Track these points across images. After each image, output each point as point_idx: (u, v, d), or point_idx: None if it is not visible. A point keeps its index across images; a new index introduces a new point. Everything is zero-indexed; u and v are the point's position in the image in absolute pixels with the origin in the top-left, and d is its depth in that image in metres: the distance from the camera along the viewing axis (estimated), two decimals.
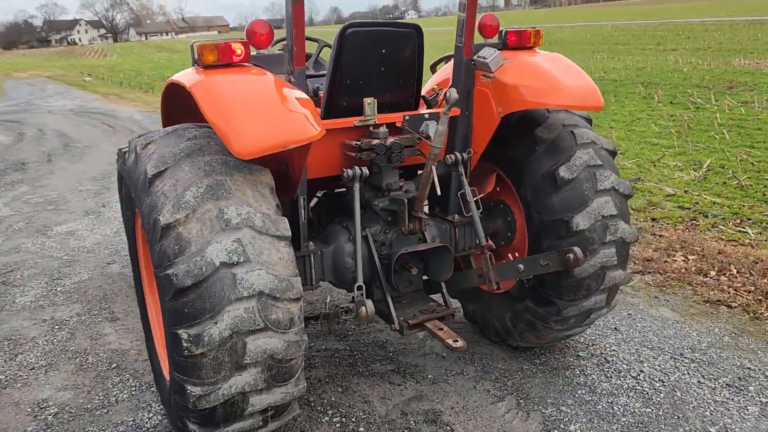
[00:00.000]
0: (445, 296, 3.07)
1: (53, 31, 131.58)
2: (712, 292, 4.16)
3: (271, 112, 2.31)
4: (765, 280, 4.30)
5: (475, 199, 3.03)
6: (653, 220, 6.02)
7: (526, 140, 3.12)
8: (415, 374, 3.35)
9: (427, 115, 3.00)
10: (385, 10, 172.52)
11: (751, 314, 3.83)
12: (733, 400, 3.02)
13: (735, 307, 3.95)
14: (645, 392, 3.10)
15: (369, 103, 2.86)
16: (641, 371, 3.28)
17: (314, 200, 3.44)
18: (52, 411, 3.16)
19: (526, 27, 3.16)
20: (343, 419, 2.98)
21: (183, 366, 2.26)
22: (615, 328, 3.76)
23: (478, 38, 3.14)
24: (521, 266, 2.95)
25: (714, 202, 6.53)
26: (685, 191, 6.97)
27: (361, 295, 2.70)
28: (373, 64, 2.96)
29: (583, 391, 3.13)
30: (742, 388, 3.11)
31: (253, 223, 2.31)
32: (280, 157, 2.71)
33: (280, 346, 2.31)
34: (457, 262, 3.52)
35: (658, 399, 3.05)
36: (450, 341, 2.75)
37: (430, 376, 3.32)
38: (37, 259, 5.40)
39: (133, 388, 3.33)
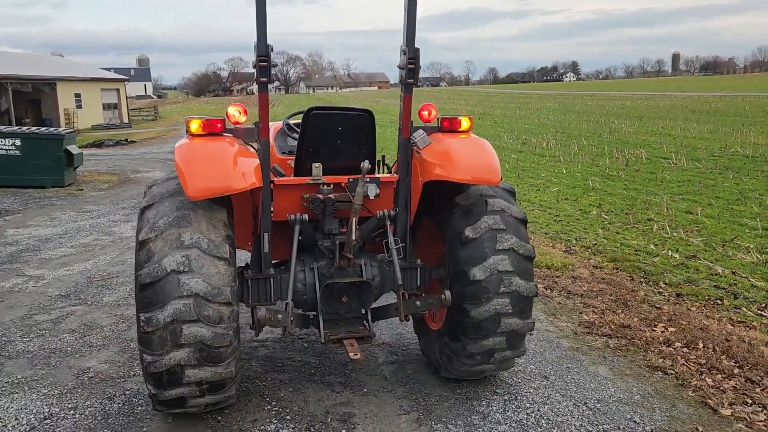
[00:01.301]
0: (369, 322, 3.83)
1: (236, 82, 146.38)
2: (660, 360, 4.47)
3: (220, 167, 3.31)
4: (723, 357, 4.52)
5: (396, 247, 3.80)
6: (678, 295, 6.22)
7: (450, 205, 3.85)
8: (355, 387, 4.10)
9: (367, 179, 3.85)
10: (543, 71, 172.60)
11: (680, 381, 4.13)
12: None
13: (670, 374, 4.25)
14: (525, 425, 3.61)
15: (316, 167, 3.78)
16: (538, 410, 3.78)
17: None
18: (90, 375, 4.31)
19: (462, 115, 3.93)
20: (281, 410, 3.82)
21: (142, 340, 3.26)
22: (545, 377, 4.25)
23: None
24: (418, 303, 3.67)
25: (754, 285, 6.56)
26: (733, 272, 7.02)
27: (285, 310, 3.56)
28: (331, 138, 3.89)
29: (476, 417, 3.71)
30: None
31: (200, 245, 3.29)
32: (249, 202, 3.71)
33: (208, 335, 3.24)
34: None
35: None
36: (351, 354, 3.53)
37: (365, 390, 4.06)
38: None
39: None
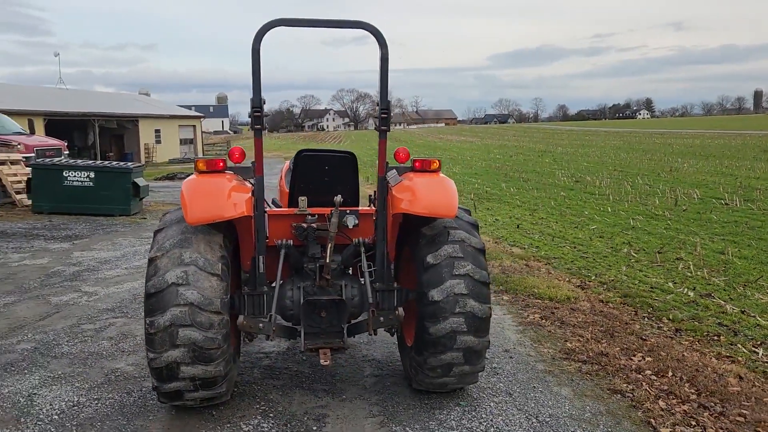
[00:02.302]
0: (344, 335, 4.37)
1: (307, 118, 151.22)
2: (624, 384, 4.79)
3: (214, 199, 3.99)
4: (686, 384, 4.79)
5: (369, 270, 4.37)
6: (677, 331, 6.45)
7: (419, 236, 4.39)
8: (336, 394, 4.64)
9: (348, 211, 4.46)
10: (615, 108, 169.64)
11: (634, 403, 4.45)
12: None
13: (627, 396, 4.57)
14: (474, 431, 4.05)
15: (302, 200, 4.42)
16: (491, 421, 4.21)
17: None
18: (117, 374, 5.04)
19: (433, 157, 4.50)
20: (267, 409, 4.40)
21: (147, 340, 3.95)
22: (509, 393, 4.66)
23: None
24: (381, 318, 4.20)
25: (758, 324, 6.70)
26: (743, 311, 7.15)
27: (270, 322, 4.16)
28: (318, 176, 4.54)
29: (433, 423, 4.17)
30: None
31: (197, 263, 3.97)
32: (247, 230, 4.38)
33: (200, 338, 3.89)
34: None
35: None
36: (322, 360, 4.09)
37: (344, 396, 4.60)
38: None
39: None
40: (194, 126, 47.97)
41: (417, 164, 4.48)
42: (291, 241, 4.41)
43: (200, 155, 46.49)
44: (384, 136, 4.34)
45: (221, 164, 4.27)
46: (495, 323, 6.34)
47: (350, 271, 4.93)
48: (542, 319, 6.49)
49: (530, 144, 50.79)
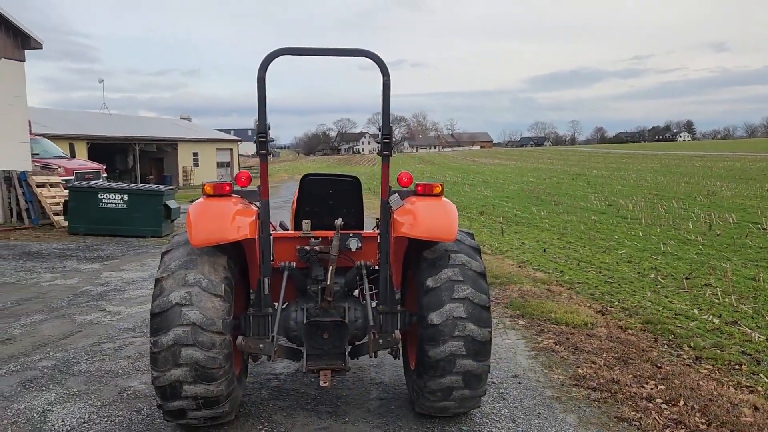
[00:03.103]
0: (346, 357, 4.40)
1: (343, 142, 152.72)
2: (633, 413, 4.69)
3: (218, 222, 4.10)
4: (698, 414, 4.67)
5: (370, 292, 4.42)
6: (696, 359, 6.30)
7: (420, 259, 4.43)
8: (340, 416, 4.67)
9: (351, 234, 4.53)
10: (654, 131, 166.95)
11: None
12: None
13: (634, 425, 4.48)
14: None
15: (306, 223, 4.51)
16: None
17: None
18: (129, 392, 5.17)
19: (434, 181, 4.55)
20: (269, 429, 4.46)
21: (151, 359, 4.05)
22: (513, 419, 4.62)
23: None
24: (380, 341, 4.23)
25: None
26: None
27: (271, 342, 4.23)
28: (323, 199, 4.63)
29: None
30: None
31: (201, 284, 4.07)
32: (254, 251, 4.48)
33: (201, 357, 3.98)
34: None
35: None
36: (321, 381, 4.13)
37: (347, 419, 4.62)
38: None
39: None
40: (231, 149, 48.98)
41: (419, 188, 4.53)
42: (294, 264, 4.49)
43: None
44: (386, 160, 4.41)
45: (228, 188, 4.40)
46: (507, 348, 6.30)
47: (357, 293, 4.98)
48: (556, 344, 6.42)
49: (565, 167, 50.32)
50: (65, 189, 15.71)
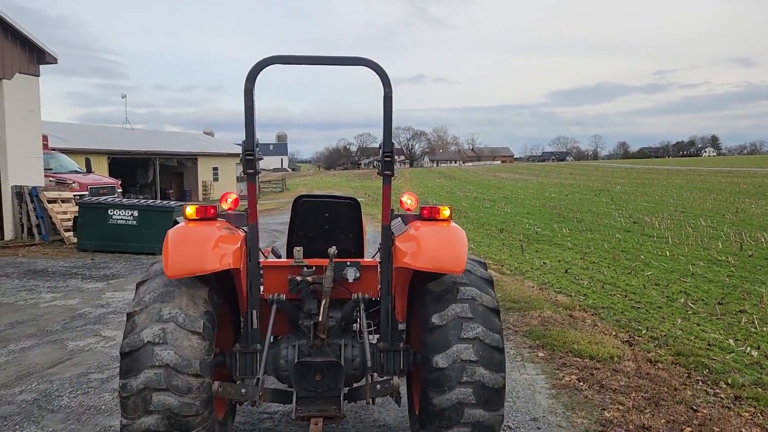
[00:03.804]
0: (341, 402, 3.91)
1: (364, 156, 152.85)
2: None
3: (198, 250, 3.66)
4: None
5: (369, 330, 3.92)
6: (736, 398, 5.70)
7: (424, 291, 3.93)
8: None
9: (348, 263, 4.04)
10: (678, 146, 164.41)
11: None
12: None
13: None
14: None
15: (297, 250, 4.04)
16: None
17: None
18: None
19: (442, 204, 4.06)
20: None
21: (120, 404, 3.60)
22: None
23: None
24: (378, 386, 3.73)
25: None
26: None
27: (256, 386, 3.75)
28: (318, 224, 4.16)
29: None
30: None
31: (177, 319, 3.62)
32: (240, 280, 4.02)
33: (176, 404, 3.51)
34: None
35: None
36: (311, 430, 3.64)
37: None
38: None
39: None
40: None
41: (425, 212, 4.05)
42: (284, 296, 4.02)
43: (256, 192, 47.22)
44: (387, 181, 3.94)
45: (212, 211, 3.96)
46: (525, 385, 5.75)
47: (356, 328, 4.49)
48: (579, 381, 5.85)
49: (588, 182, 49.42)
50: (76, 204, 15.50)
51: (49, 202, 15.63)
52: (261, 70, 3.79)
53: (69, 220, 15.49)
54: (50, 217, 15.53)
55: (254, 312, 4.06)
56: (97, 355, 6.69)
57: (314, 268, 4.07)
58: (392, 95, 3.78)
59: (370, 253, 4.81)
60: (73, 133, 34.87)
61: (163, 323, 3.60)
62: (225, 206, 4.10)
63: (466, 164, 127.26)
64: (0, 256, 13.67)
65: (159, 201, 15.28)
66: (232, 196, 4.08)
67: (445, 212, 4.02)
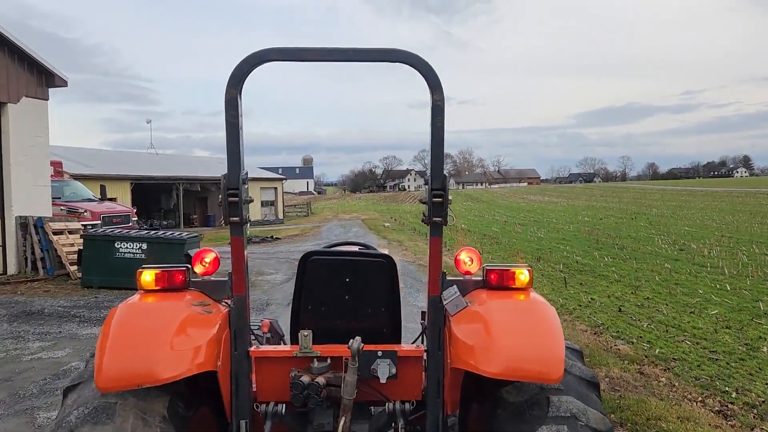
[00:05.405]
0: None
1: (389, 179, 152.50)
2: None
3: (148, 347, 2.40)
4: None
5: None
6: None
7: (490, 400, 2.62)
8: None
9: (380, 353, 2.75)
10: (709, 166, 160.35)
11: None
12: None
13: None
14: None
15: (305, 335, 2.75)
16: None
17: None
18: None
19: (516, 265, 2.75)
20: None
21: None
22: None
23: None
24: None
25: None
26: None
27: None
28: (335, 293, 2.89)
29: None
30: None
31: None
32: (219, 382, 2.75)
33: None
34: None
35: None
36: None
37: None
38: None
39: None
40: (275, 188, 48.18)
41: (493, 277, 2.75)
42: (283, 406, 2.73)
43: (280, 217, 46.24)
44: (438, 232, 2.66)
45: (180, 278, 2.73)
46: None
47: None
48: None
49: (620, 205, 47.58)
50: (81, 236, 14.48)
51: (55, 233, 14.62)
52: (250, 70, 2.57)
53: (75, 253, 14.45)
54: (55, 250, 14.51)
55: (244, 422, 2.79)
56: None
57: (329, 360, 2.78)
58: (444, 105, 2.54)
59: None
60: (95, 158, 34.37)
61: None
62: (199, 270, 2.86)
63: (492, 186, 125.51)
64: None
65: (170, 232, 14.17)
66: (211, 255, 2.84)
67: (521, 277, 2.71)
